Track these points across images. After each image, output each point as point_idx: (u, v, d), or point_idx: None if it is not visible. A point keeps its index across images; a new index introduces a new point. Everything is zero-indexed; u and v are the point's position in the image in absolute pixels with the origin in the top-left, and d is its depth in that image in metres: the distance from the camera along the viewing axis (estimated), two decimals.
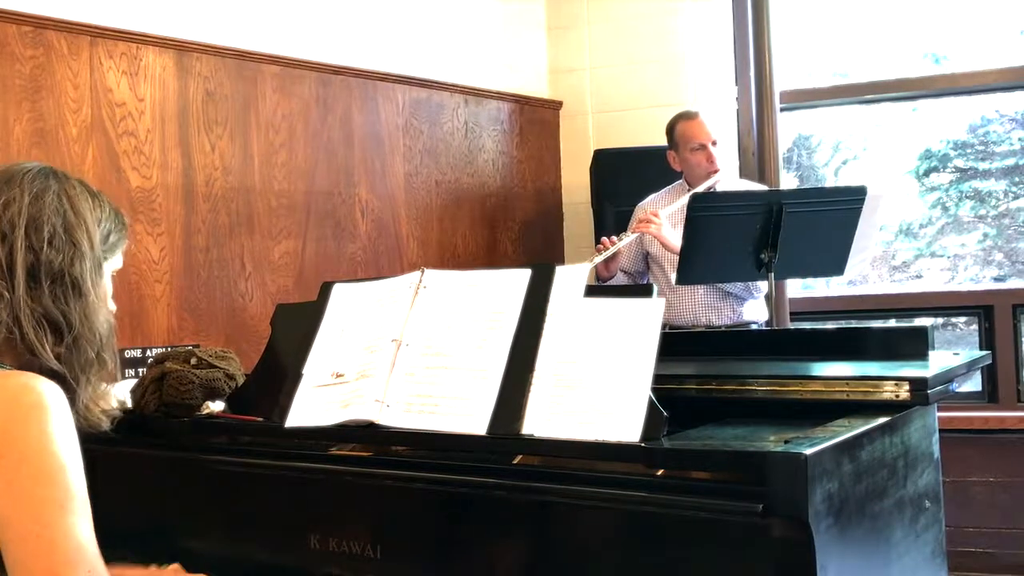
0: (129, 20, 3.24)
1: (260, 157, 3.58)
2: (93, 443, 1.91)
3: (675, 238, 3.34)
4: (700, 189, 3.34)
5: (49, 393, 1.31)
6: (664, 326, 3.80)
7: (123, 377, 3.07)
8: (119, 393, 2.67)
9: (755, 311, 3.50)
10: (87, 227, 1.44)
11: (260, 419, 1.77)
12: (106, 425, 1.48)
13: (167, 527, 1.83)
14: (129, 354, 3.14)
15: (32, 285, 1.38)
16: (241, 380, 1.91)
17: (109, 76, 3.19)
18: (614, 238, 3.35)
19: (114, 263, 1.54)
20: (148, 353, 3.13)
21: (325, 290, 1.84)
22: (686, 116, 3.51)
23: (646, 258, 3.61)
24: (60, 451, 1.29)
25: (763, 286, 3.38)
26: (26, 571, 1.26)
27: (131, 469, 1.91)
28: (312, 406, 1.69)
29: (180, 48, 3.36)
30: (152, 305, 3.26)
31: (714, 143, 3.43)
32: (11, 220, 1.38)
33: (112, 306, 1.55)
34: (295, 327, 1.83)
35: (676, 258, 3.29)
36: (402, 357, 1.64)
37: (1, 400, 1.29)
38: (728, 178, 3.61)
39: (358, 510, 1.57)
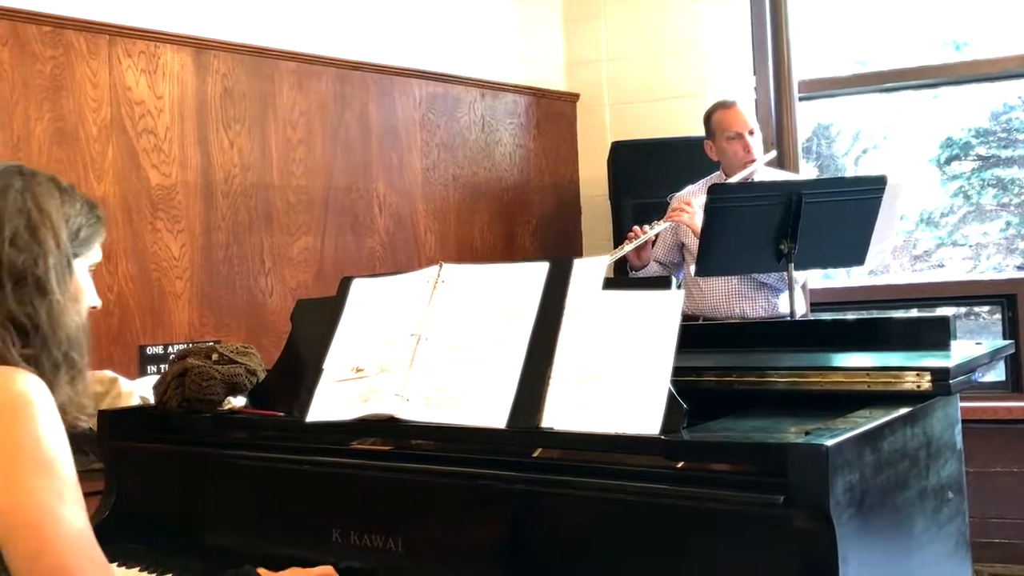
0: (147, 19, 3.25)
1: (278, 153, 3.59)
2: (117, 440, 1.94)
3: None
4: (736, 179, 3.30)
5: (32, 385, 1.31)
6: (697, 317, 3.74)
7: (145, 373, 3.10)
8: (142, 390, 2.70)
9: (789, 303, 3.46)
10: (52, 225, 1.41)
11: (281, 414, 1.78)
12: (85, 424, 1.45)
13: (190, 521, 1.84)
14: (151, 350, 3.17)
15: None
16: (262, 375, 1.92)
17: (128, 75, 3.21)
18: (646, 227, 3.32)
19: (90, 258, 1.50)
20: (170, 349, 3.16)
21: (344, 285, 1.85)
22: (723, 105, 3.48)
23: (681, 249, 3.57)
24: (52, 442, 1.30)
25: (799, 276, 3.32)
26: (31, 562, 1.26)
27: (154, 464, 1.93)
28: (332, 401, 1.69)
29: (198, 46, 3.38)
30: (173, 301, 3.28)
31: (751, 132, 3.39)
32: None
33: (95, 301, 1.52)
34: (315, 322, 1.84)
35: None
36: (421, 351, 1.65)
37: None
38: (762, 168, 3.56)
39: (379, 504, 1.57)
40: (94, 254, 1.51)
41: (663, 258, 3.58)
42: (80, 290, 1.47)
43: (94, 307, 1.52)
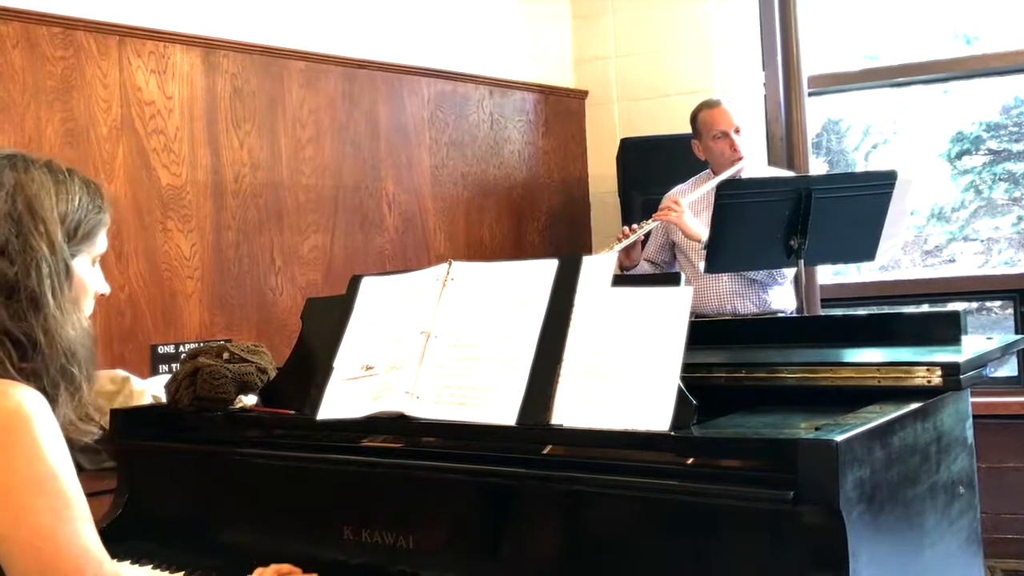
0: (156, 19, 3.27)
1: (288, 152, 3.60)
2: (129, 439, 1.95)
3: (697, 226, 3.31)
4: (724, 177, 3.31)
5: (29, 399, 1.25)
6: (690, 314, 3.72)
7: (157, 373, 3.12)
8: (154, 389, 2.72)
9: (783, 299, 3.47)
10: (46, 228, 1.32)
11: (292, 412, 1.79)
12: (89, 437, 1.41)
13: (202, 520, 1.85)
14: (162, 350, 3.18)
15: None
16: (273, 374, 1.93)
17: (138, 75, 3.22)
18: (635, 226, 3.34)
19: (94, 251, 1.42)
20: (181, 348, 3.17)
21: (354, 283, 1.85)
22: (708, 104, 3.49)
23: (672, 248, 3.59)
24: (50, 458, 1.25)
25: (788, 272, 3.34)
26: None
27: (166, 464, 1.94)
28: (343, 399, 1.70)
29: (207, 46, 3.39)
30: (184, 301, 3.29)
31: (737, 131, 3.40)
32: None
33: (104, 288, 1.45)
34: (325, 321, 1.85)
35: (700, 247, 3.27)
36: (431, 349, 1.65)
37: None
38: (756, 166, 3.57)
39: (390, 501, 1.58)
40: (98, 246, 1.43)
41: (654, 257, 3.60)
42: (83, 288, 1.41)
43: (103, 294, 1.46)
